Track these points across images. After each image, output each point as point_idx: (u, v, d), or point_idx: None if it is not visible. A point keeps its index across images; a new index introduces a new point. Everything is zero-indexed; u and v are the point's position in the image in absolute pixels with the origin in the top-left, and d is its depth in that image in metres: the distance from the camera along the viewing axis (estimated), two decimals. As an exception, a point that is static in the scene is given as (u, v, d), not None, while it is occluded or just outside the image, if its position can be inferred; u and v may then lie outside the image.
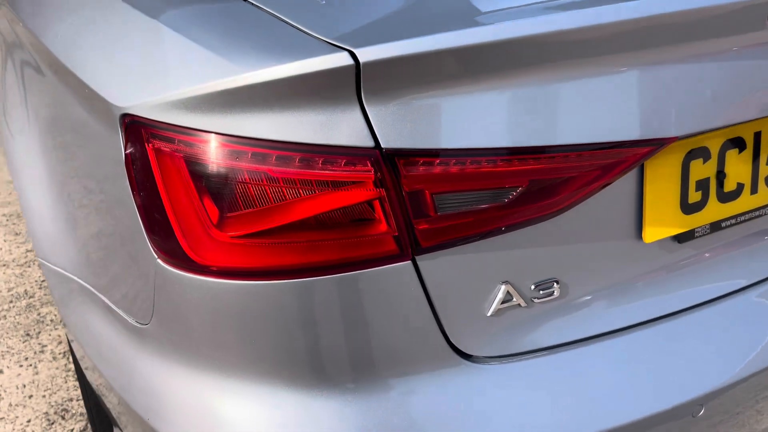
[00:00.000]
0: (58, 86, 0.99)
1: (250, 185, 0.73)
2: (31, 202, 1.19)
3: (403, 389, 0.82)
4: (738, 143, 0.93)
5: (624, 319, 0.90)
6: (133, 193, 0.80)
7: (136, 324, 0.90)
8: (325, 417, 0.81)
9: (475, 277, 0.81)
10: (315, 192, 0.73)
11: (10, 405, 1.77)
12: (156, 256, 0.80)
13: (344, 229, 0.75)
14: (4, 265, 2.34)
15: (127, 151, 0.78)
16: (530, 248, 0.83)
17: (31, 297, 2.18)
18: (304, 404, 0.81)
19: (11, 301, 2.16)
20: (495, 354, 0.85)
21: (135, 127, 0.77)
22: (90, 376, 1.15)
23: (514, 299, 0.84)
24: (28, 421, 1.73)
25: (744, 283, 0.98)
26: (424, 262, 0.78)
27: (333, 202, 0.73)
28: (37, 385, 1.84)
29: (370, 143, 0.71)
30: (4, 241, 2.48)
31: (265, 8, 0.80)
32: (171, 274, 0.79)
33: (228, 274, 0.77)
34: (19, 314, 2.10)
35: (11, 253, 2.41)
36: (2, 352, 1.95)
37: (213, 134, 0.72)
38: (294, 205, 0.74)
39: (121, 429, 1.10)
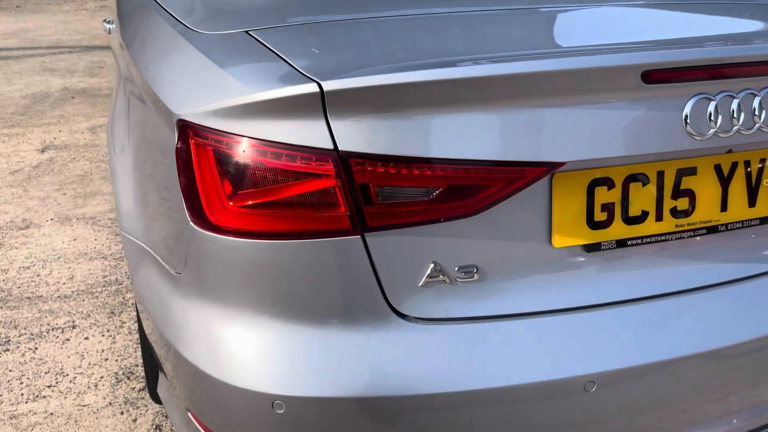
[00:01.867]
0: (146, 104, 1.38)
1: (251, 171, 1.06)
2: (119, 191, 1.58)
3: (356, 333, 1.11)
4: (641, 178, 1.17)
5: (532, 306, 1.15)
6: (179, 175, 1.15)
7: (174, 273, 1.25)
8: (296, 344, 1.10)
9: (410, 254, 1.10)
10: (294, 179, 1.05)
11: (90, 364, 2.18)
12: (189, 220, 1.14)
13: (314, 208, 1.07)
14: (104, 258, 2.81)
15: (178, 145, 1.14)
16: (456, 238, 1.11)
17: (120, 284, 2.61)
18: (284, 333, 1.11)
19: (104, 286, 2.61)
20: (423, 316, 1.12)
21: (184, 129, 1.13)
22: (144, 323, 1.51)
23: (440, 276, 1.11)
24: (101, 377, 2.12)
25: (643, 293, 1.20)
26: (371, 238, 1.08)
27: (306, 187, 1.05)
28: (113, 352, 2.23)
29: (331, 146, 1.02)
30: (107, 239, 2.97)
31: (270, 47, 1.14)
32: (198, 232, 1.13)
33: (234, 233, 1.09)
34: (109, 296, 2.54)
35: (110, 249, 2.88)
36: (90, 323, 2.38)
37: (230, 134, 1.06)
38: (279, 188, 1.06)
39: (162, 367, 1.44)
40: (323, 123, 1.02)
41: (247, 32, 1.23)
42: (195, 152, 1.11)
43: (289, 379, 1.09)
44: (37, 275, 2.68)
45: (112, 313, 2.44)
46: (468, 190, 1.07)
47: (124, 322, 2.38)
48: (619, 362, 1.14)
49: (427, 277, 1.11)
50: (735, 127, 1.14)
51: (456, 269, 1.12)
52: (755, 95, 1.14)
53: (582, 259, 1.18)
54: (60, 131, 4.26)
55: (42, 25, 7.43)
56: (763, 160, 1.26)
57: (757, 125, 1.15)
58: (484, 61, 1.05)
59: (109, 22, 2.59)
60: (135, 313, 2.42)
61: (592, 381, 1.13)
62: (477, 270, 1.13)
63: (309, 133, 1.03)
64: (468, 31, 1.25)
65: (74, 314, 2.43)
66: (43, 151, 3.93)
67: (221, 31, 1.28)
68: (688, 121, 1.11)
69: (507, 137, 1.06)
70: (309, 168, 1.04)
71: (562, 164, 1.08)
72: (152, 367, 1.71)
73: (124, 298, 2.53)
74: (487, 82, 1.03)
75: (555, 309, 1.16)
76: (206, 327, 1.17)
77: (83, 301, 2.51)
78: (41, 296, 2.54)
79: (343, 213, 1.06)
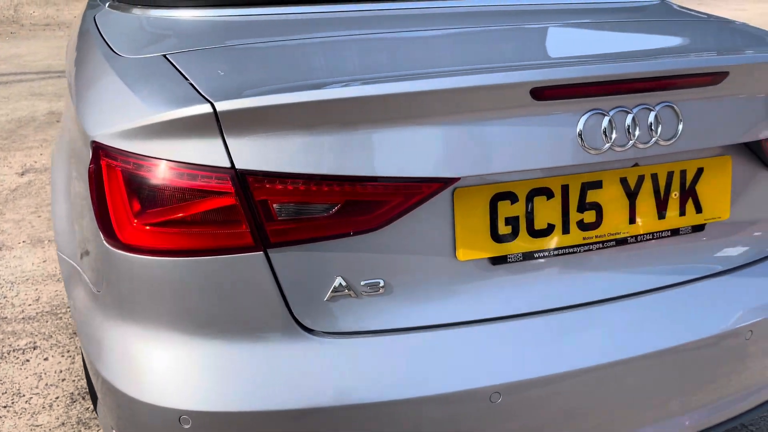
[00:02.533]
0: (74, 126, 1.41)
1: (155, 191, 1.09)
2: (55, 212, 1.61)
3: (263, 347, 1.13)
4: (545, 192, 1.20)
5: (438, 318, 1.17)
6: (91, 195, 1.18)
7: (95, 291, 1.27)
8: (204, 360, 1.12)
9: (315, 270, 1.12)
10: (196, 198, 1.08)
11: (47, 384, 2.19)
12: (103, 239, 1.17)
13: (216, 225, 1.09)
14: (71, 279, 2.83)
15: (91, 166, 1.17)
16: (361, 253, 1.13)
17: (84, 305, 2.63)
18: (192, 349, 1.13)
19: (69, 307, 2.62)
20: (329, 330, 1.14)
21: (96, 150, 1.16)
22: (81, 344, 1.53)
23: (346, 291, 1.14)
24: (57, 398, 2.13)
25: (551, 305, 1.22)
26: (274, 254, 1.10)
27: (207, 205, 1.08)
28: (71, 372, 2.25)
29: (228, 165, 1.05)
30: (76, 260, 2.98)
31: (180, 69, 1.17)
32: (111, 251, 1.16)
33: (142, 251, 1.12)
34: (71, 318, 2.56)
35: (78, 270, 2.89)
36: (52, 344, 2.40)
37: (136, 155, 1.09)
38: (183, 206, 1.09)
39: (93, 385, 1.45)
40: (220, 142, 1.05)
41: (164, 56, 1.27)
42: (106, 173, 1.14)
43: (195, 394, 1.11)
44: (4, 297, 2.70)
45: (74, 333, 2.46)
46: (366, 205, 1.10)
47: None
48: (525, 373, 1.16)
49: (332, 291, 1.14)
50: (631, 142, 1.16)
51: (362, 284, 1.15)
52: (650, 110, 1.17)
53: (488, 272, 1.20)
54: (41, 154, 4.31)
55: (34, 51, 7.53)
56: (670, 174, 1.28)
57: (653, 139, 1.18)
58: (376, 80, 1.08)
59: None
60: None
61: (498, 392, 1.15)
62: (383, 284, 1.16)
63: (208, 152, 1.06)
64: (366, 53, 1.29)
65: (36, 335, 2.45)
66: (22, 175, 3.98)
67: (141, 55, 1.32)
68: (582, 136, 1.14)
69: (403, 154, 1.09)
70: (209, 186, 1.07)
71: (456, 179, 1.11)
72: (92, 390, 1.73)
73: (87, 318, 2.54)
74: (380, 101, 1.06)
75: (461, 321, 1.18)
76: (121, 344, 1.19)
77: (47, 322, 2.53)
78: (5, 317, 2.56)
79: (245, 230, 1.09)
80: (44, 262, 2.98)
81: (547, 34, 1.46)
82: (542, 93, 1.09)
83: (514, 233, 1.20)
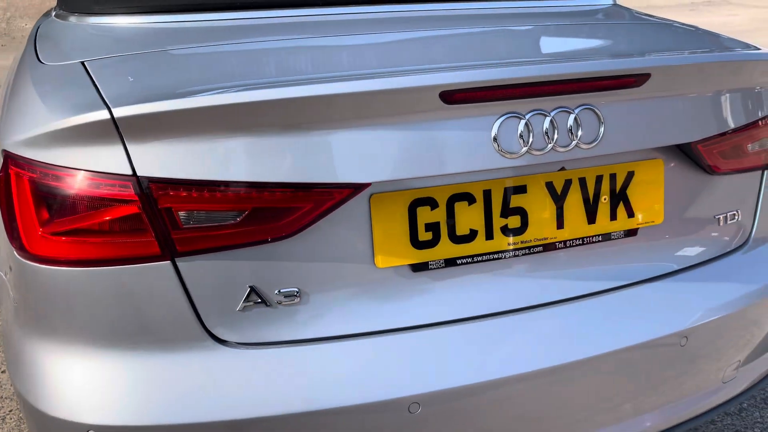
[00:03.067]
0: None
1: (60, 199, 1.07)
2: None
3: (174, 359, 1.10)
4: (467, 197, 1.17)
5: (357, 327, 1.14)
6: (2, 211, 1.15)
7: (14, 303, 1.24)
8: (113, 372, 1.10)
9: (225, 279, 1.10)
10: (100, 206, 1.06)
11: (2, 398, 2.16)
12: (16, 250, 1.14)
13: (122, 234, 1.07)
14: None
15: (0, 174, 1.15)
16: (274, 261, 1.11)
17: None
18: (101, 361, 1.10)
19: None
20: (242, 341, 1.11)
21: (5, 159, 1.13)
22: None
23: (259, 300, 1.11)
24: (10, 410, 2.10)
25: (474, 313, 1.19)
26: (182, 263, 1.07)
27: (111, 213, 1.06)
28: None
29: (130, 172, 1.03)
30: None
31: (93, 76, 1.15)
32: (20, 261, 1.13)
33: (48, 261, 1.09)
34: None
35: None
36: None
37: (41, 163, 1.07)
38: (87, 215, 1.06)
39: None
40: (122, 149, 1.03)
41: (82, 63, 1.25)
42: (14, 181, 1.12)
43: (103, 408, 1.08)
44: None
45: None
46: (276, 212, 1.07)
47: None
48: (445, 383, 1.13)
49: (244, 301, 1.11)
50: (550, 145, 1.14)
51: (276, 292, 1.12)
52: (569, 113, 1.14)
53: (408, 279, 1.18)
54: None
55: (22, 63, 7.57)
56: (599, 177, 1.26)
57: (574, 143, 1.16)
58: (280, 84, 1.06)
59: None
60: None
61: (417, 402, 1.12)
62: (299, 293, 1.13)
63: (110, 159, 1.04)
64: (277, 58, 1.27)
65: (-5, 348, 2.42)
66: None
67: (61, 62, 1.30)
68: (497, 139, 1.11)
69: (311, 159, 1.07)
70: (112, 194, 1.05)
71: (367, 185, 1.08)
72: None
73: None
74: (284, 105, 1.04)
75: (380, 330, 1.15)
76: (33, 357, 1.16)
77: None
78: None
79: (151, 239, 1.06)
80: None
81: (475, 38, 1.44)
82: (452, 96, 1.06)
83: (435, 239, 1.17)
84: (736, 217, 1.45)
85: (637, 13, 1.92)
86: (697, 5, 12.16)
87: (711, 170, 1.36)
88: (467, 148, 1.11)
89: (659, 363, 1.28)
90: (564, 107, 1.14)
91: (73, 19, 1.62)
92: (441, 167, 1.10)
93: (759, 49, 1.49)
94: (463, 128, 1.10)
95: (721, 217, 1.42)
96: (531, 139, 1.12)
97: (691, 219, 1.37)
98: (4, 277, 1.41)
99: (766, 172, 1.48)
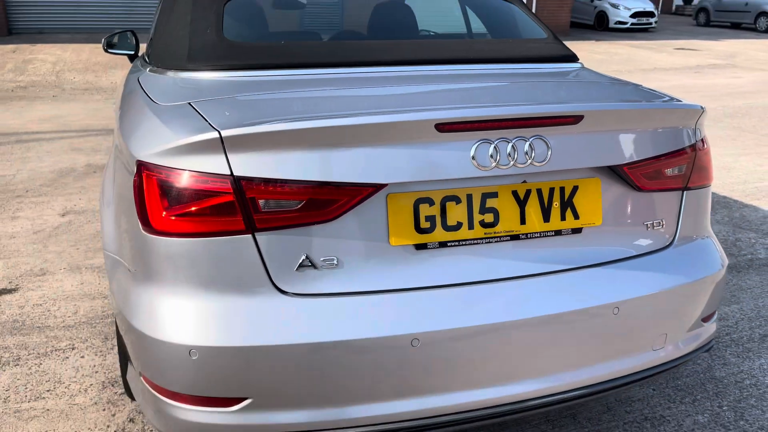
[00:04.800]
0: (121, 154, 1.93)
1: (178, 191, 1.59)
2: (103, 221, 2.12)
3: (249, 302, 1.60)
4: (455, 198, 1.68)
5: (376, 286, 1.64)
6: (134, 198, 1.68)
7: (132, 270, 1.76)
8: (207, 310, 1.59)
9: (288, 249, 1.60)
10: (206, 196, 1.57)
11: (83, 375, 2.65)
12: (141, 228, 1.66)
13: (220, 215, 1.58)
14: (104, 297, 3.32)
15: (135, 177, 1.68)
16: (321, 237, 1.61)
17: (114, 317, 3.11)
18: (199, 302, 1.60)
19: (101, 318, 3.11)
20: (297, 292, 1.61)
21: (139, 166, 1.67)
22: (117, 319, 2.00)
23: (310, 264, 1.61)
24: (90, 385, 2.59)
25: (460, 280, 1.68)
26: (260, 236, 1.59)
27: (213, 201, 1.57)
28: (103, 366, 2.71)
29: (228, 173, 1.55)
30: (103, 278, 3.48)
31: (200, 112, 1.69)
32: (146, 236, 1.65)
33: (168, 235, 1.61)
34: (105, 326, 3.04)
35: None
36: (87, 346, 2.87)
37: (166, 167, 1.60)
38: (196, 202, 1.58)
39: (126, 348, 1.92)
40: (224, 157, 1.56)
41: (189, 103, 1.79)
42: (145, 181, 1.65)
43: (200, 334, 1.58)
44: (48, 310, 3.19)
45: (106, 338, 2.94)
46: (323, 203, 1.59)
47: (115, 345, 2.87)
48: (437, 326, 1.61)
49: (299, 265, 1.61)
50: (511, 163, 1.65)
51: (321, 259, 1.62)
52: (525, 140, 1.66)
53: (413, 255, 1.67)
54: (80, 199, 4.88)
55: (74, 112, 8.26)
56: (552, 189, 1.76)
57: (529, 161, 1.66)
58: (327, 117, 1.59)
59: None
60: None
61: (417, 339, 1.60)
62: (336, 261, 1.63)
63: (215, 164, 1.56)
64: (327, 101, 1.81)
65: (75, 339, 2.93)
66: (63, 215, 4.53)
67: (173, 103, 1.85)
68: (474, 158, 1.63)
69: (346, 167, 1.58)
70: (215, 188, 1.57)
71: (385, 185, 1.60)
72: (123, 361, 2.19)
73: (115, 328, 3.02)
74: (331, 131, 1.57)
75: (392, 289, 1.65)
76: (149, 302, 1.67)
77: (83, 329, 3.01)
78: (49, 326, 3.05)
79: (239, 218, 1.58)
80: (81, 284, 3.48)
81: (465, 89, 1.98)
82: (443, 127, 1.58)
83: (432, 228, 1.67)
84: (663, 224, 1.93)
85: (598, 74, 2.45)
86: (703, 68, 12.73)
87: (638, 188, 1.85)
88: (454, 163, 1.62)
89: (599, 325, 1.75)
90: (521, 136, 1.65)
91: (170, 73, 2.19)
92: (435, 175, 1.62)
93: (680, 101, 2.00)
94: (450, 149, 1.62)
95: (649, 223, 1.91)
96: (498, 158, 1.64)
97: (625, 223, 1.86)
98: (116, 257, 1.93)
99: (685, 192, 1.97)
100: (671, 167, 1.91)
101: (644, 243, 1.90)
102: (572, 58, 2.49)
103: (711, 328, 2.07)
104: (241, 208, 1.58)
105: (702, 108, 1.94)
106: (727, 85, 10.77)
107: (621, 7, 19.93)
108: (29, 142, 6.58)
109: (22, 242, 4.04)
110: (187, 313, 1.61)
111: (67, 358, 2.79)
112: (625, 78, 11.40)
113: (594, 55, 14.49)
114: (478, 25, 2.93)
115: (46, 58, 11.67)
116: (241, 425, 1.61)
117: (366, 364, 1.59)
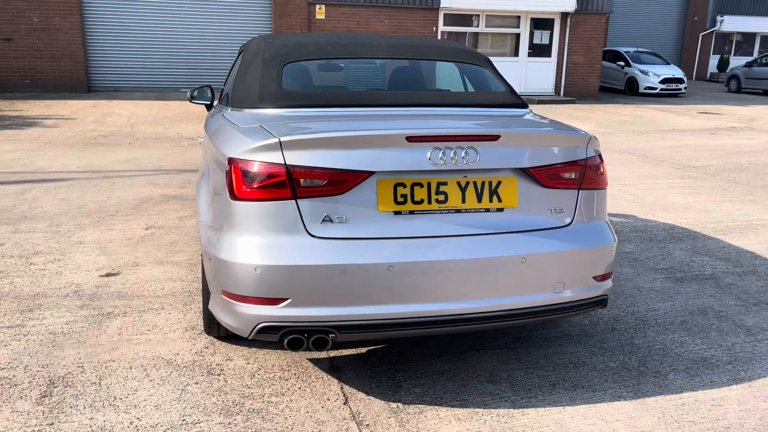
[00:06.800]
0: (214, 156, 3.05)
1: (252, 174, 2.68)
2: (200, 201, 3.24)
3: (292, 240, 2.66)
4: (419, 184, 2.72)
5: (370, 234, 2.67)
6: (225, 180, 2.77)
7: (217, 227, 2.84)
8: (267, 244, 2.65)
9: (316, 209, 2.67)
10: (268, 177, 2.66)
11: (171, 323, 3.72)
12: (229, 197, 2.75)
13: (276, 189, 2.66)
14: (183, 281, 4.42)
15: (227, 168, 2.78)
16: (336, 204, 2.68)
17: (191, 293, 4.19)
18: (262, 239, 2.66)
19: (181, 293, 4.20)
20: (321, 236, 2.67)
21: (230, 161, 2.77)
22: (204, 264, 3.08)
23: (329, 220, 2.67)
24: (177, 328, 3.65)
25: (423, 234, 2.70)
26: (300, 201, 2.66)
27: (273, 180, 2.66)
28: (186, 320, 3.78)
29: (283, 162, 2.64)
30: (185, 272, 4.59)
31: (267, 129, 2.80)
32: (232, 202, 2.73)
33: (245, 201, 2.69)
34: (184, 297, 4.12)
35: (187, 276, 4.49)
36: (173, 308, 3.95)
37: (246, 160, 2.70)
38: (263, 181, 2.67)
39: (210, 287, 2.98)
40: (281, 153, 2.65)
41: (260, 125, 2.91)
42: (233, 169, 2.75)
43: (261, 257, 2.64)
44: (142, 287, 4.30)
45: (185, 304, 4.01)
46: (338, 182, 2.65)
47: (192, 309, 3.94)
48: (405, 259, 2.64)
49: (322, 220, 2.67)
50: (454, 162, 2.69)
51: (335, 217, 2.68)
52: (462, 149, 2.71)
53: (392, 218, 2.72)
54: (158, 218, 6.07)
55: (147, 156, 9.64)
56: (483, 182, 2.79)
57: (465, 162, 2.70)
58: (340, 131, 2.68)
59: (201, 138, 4.41)
60: (199, 306, 4.00)
61: (392, 266, 2.63)
62: (345, 218, 2.68)
63: (275, 157, 2.66)
64: (346, 122, 2.90)
65: (164, 303, 4.01)
66: (147, 229, 5.71)
67: (250, 125, 2.97)
68: (430, 158, 2.68)
69: (352, 160, 2.65)
70: (275, 171, 2.66)
71: (374, 172, 2.66)
72: (206, 297, 3.25)
73: (192, 298, 4.10)
74: (347, 139, 2.65)
75: (378, 237, 2.69)
76: (230, 242, 2.74)
77: (169, 299, 4.10)
78: (144, 295, 4.14)
79: (288, 191, 2.66)
80: (165, 272, 4.59)
81: (434, 119, 3.06)
82: (411, 138, 2.65)
83: (405, 202, 2.72)
84: (563, 211, 2.93)
85: (540, 116, 3.49)
86: (720, 130, 13.51)
87: (543, 185, 2.86)
88: (417, 161, 2.68)
89: (512, 269, 2.74)
90: (459, 146, 2.70)
91: (246, 110, 3.33)
92: (406, 167, 2.68)
93: (580, 131, 3.03)
94: (415, 152, 2.68)
95: (553, 209, 2.91)
96: (445, 159, 2.68)
97: (535, 208, 2.87)
98: (207, 222, 3.03)
99: (580, 191, 2.96)
100: (567, 172, 2.92)
101: (550, 221, 2.90)
102: (522, 105, 3.55)
103: (604, 285, 3.02)
104: (290, 184, 2.65)
105: (589, 136, 2.96)
106: (736, 145, 11.52)
107: (650, 74, 20.91)
108: (114, 177, 7.88)
109: (118, 245, 5.21)
110: (254, 246, 2.67)
111: (159, 314, 3.87)
112: (643, 137, 12.25)
113: (619, 117, 15.37)
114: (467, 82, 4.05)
115: (121, 112, 13.33)
116: (284, 316, 2.64)
117: (360, 280, 2.61)
